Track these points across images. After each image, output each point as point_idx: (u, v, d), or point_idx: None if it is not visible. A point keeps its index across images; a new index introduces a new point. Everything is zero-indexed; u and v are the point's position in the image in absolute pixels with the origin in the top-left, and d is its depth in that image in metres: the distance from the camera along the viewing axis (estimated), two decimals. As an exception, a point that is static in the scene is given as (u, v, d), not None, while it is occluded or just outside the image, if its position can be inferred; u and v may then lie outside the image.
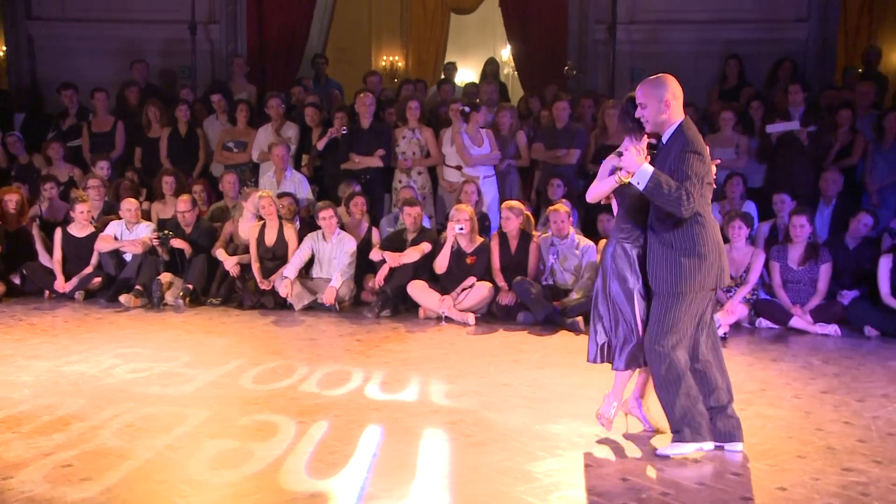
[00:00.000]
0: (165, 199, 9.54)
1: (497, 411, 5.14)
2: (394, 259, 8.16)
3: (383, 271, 8.18)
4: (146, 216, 9.34)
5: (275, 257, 8.60)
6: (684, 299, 4.35)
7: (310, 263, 8.55)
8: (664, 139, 4.39)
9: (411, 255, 8.20)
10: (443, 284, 8.08)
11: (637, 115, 4.45)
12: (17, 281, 8.81)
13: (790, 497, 3.92)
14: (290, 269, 8.32)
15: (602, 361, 4.67)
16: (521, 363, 6.37)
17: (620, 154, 4.43)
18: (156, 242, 8.64)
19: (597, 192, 4.66)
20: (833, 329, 7.47)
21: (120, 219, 8.96)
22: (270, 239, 8.62)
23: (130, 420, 4.93)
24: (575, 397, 5.40)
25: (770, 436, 4.72)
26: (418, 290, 8.05)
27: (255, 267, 8.50)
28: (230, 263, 8.56)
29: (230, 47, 12.77)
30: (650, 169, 4.19)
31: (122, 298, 8.28)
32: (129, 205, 8.90)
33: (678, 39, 12.01)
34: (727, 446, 4.47)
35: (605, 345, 4.64)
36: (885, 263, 7.52)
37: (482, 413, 5.11)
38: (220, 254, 8.67)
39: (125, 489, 3.97)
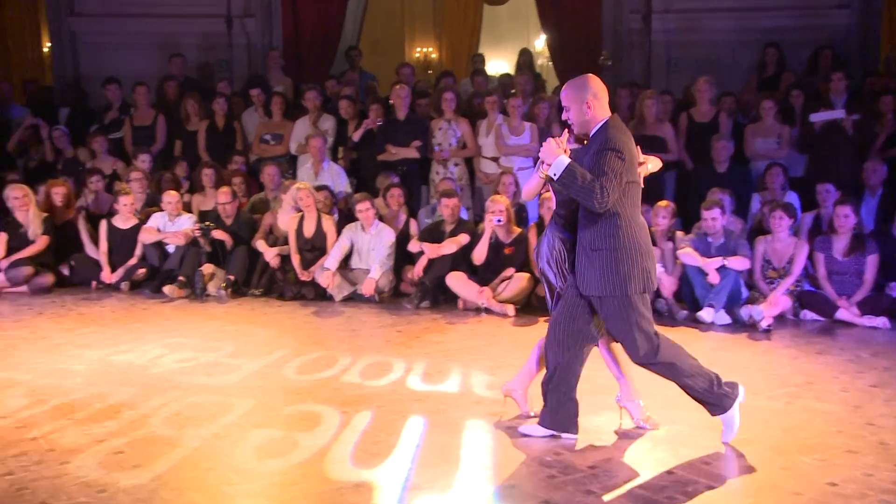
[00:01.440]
0: (205, 192, 9.63)
1: (539, 402, 5.10)
2: (432, 250, 8.18)
3: (422, 262, 8.21)
4: (187, 208, 9.45)
5: (313, 249, 8.65)
6: (618, 302, 4.29)
7: (349, 255, 8.59)
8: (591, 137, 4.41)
9: (449, 246, 8.21)
10: (481, 276, 8.07)
11: (563, 118, 4.54)
12: (65, 272, 9.01)
13: (841, 492, 3.83)
14: (331, 261, 8.36)
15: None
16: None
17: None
18: (198, 234, 8.74)
19: (527, 189, 4.80)
20: (881, 321, 7.29)
21: (162, 210, 9.09)
22: (309, 231, 8.66)
23: (178, 409, 5.00)
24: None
25: (818, 430, 4.64)
26: (457, 281, 8.05)
27: (295, 259, 8.56)
28: (270, 255, 8.63)
29: (265, 40, 12.86)
30: (566, 160, 4.20)
31: (167, 289, 8.40)
32: (170, 197, 9.03)
33: (715, 28, 11.88)
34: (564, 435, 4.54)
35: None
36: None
37: (525, 404, 5.09)
38: (260, 245, 8.75)
39: (174, 476, 4.03)
